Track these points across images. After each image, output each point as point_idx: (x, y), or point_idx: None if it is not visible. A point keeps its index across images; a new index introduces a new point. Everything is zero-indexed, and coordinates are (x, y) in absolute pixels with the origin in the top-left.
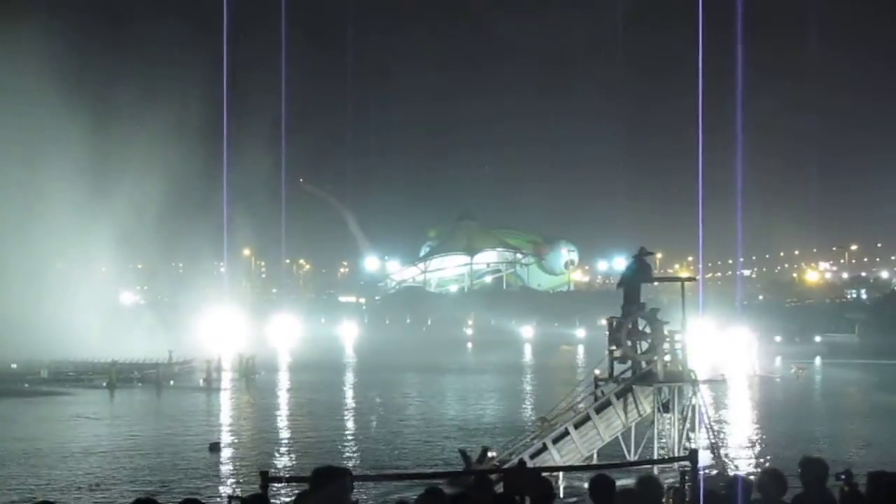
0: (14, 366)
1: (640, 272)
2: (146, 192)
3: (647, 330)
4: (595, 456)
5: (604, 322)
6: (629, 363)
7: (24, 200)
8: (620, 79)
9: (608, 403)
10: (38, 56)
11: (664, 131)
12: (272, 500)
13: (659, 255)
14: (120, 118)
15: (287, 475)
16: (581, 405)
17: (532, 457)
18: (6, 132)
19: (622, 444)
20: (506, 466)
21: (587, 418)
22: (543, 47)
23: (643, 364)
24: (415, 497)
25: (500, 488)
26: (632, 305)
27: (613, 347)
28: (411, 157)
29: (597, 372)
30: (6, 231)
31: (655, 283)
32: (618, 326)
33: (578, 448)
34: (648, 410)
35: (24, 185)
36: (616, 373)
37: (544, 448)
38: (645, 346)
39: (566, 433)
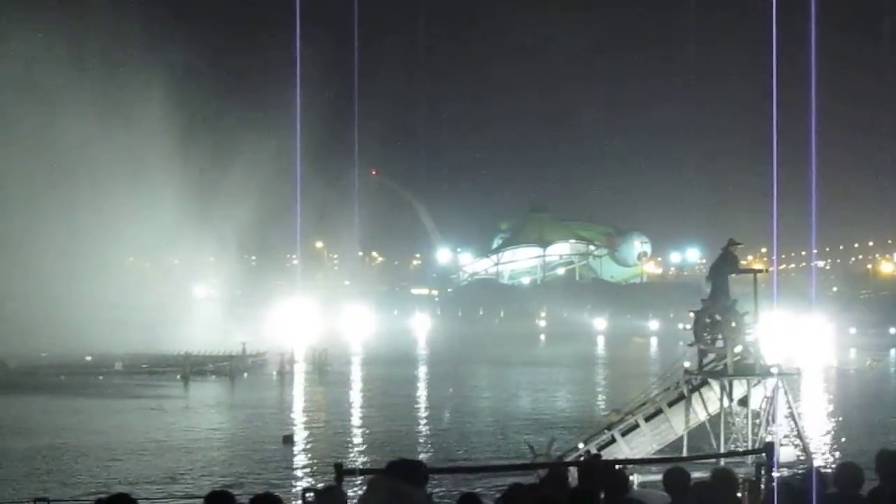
0: (88, 358)
1: (726, 264)
2: (220, 185)
3: (727, 323)
4: (664, 449)
5: (672, 314)
6: (712, 356)
7: (94, 196)
8: (691, 67)
9: (682, 396)
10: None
11: (737, 119)
12: (347, 493)
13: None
14: (192, 115)
15: (361, 468)
16: (654, 397)
17: (599, 449)
18: (88, 128)
19: (694, 437)
20: (569, 459)
21: (659, 411)
22: (610, 37)
23: (721, 357)
24: (488, 489)
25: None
26: (717, 298)
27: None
28: (483, 148)
29: (686, 364)
30: (81, 227)
31: (733, 276)
32: (697, 319)
33: (649, 441)
34: (724, 404)
35: (95, 181)
36: (704, 365)
37: (613, 441)
38: (721, 339)
39: (636, 426)
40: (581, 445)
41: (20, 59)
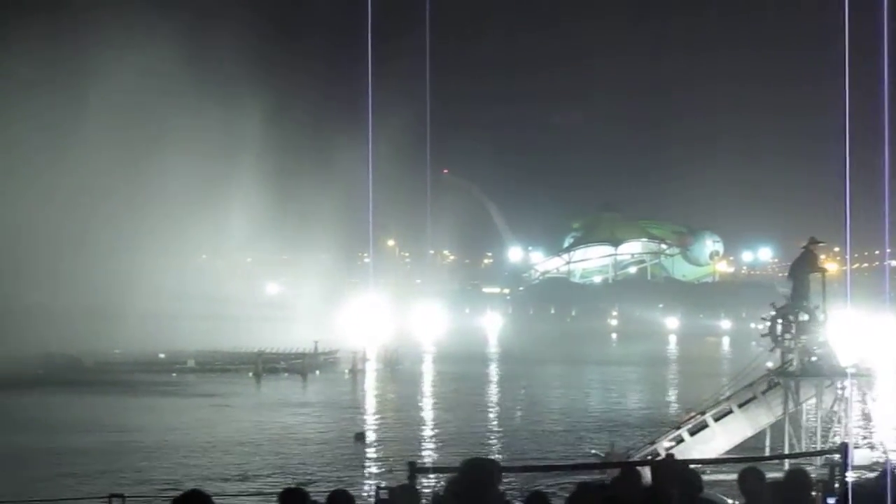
0: (162, 355)
1: (806, 263)
2: (293, 184)
3: (803, 323)
4: (734, 449)
5: (744, 314)
6: (789, 356)
7: (168, 193)
8: (761, 64)
9: (753, 397)
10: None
11: (808, 118)
12: (420, 491)
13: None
14: (264, 114)
15: (434, 465)
16: (726, 397)
17: (668, 449)
18: (165, 125)
19: (764, 438)
20: (640, 459)
21: (729, 411)
22: (681, 37)
23: (795, 357)
24: (560, 488)
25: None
26: (796, 298)
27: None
28: (555, 146)
29: (769, 365)
30: (154, 224)
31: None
32: (773, 319)
33: (718, 441)
34: (796, 405)
35: (168, 178)
36: (782, 366)
37: (682, 440)
38: (800, 339)
39: (705, 426)
40: (658, 445)
41: (113, 63)
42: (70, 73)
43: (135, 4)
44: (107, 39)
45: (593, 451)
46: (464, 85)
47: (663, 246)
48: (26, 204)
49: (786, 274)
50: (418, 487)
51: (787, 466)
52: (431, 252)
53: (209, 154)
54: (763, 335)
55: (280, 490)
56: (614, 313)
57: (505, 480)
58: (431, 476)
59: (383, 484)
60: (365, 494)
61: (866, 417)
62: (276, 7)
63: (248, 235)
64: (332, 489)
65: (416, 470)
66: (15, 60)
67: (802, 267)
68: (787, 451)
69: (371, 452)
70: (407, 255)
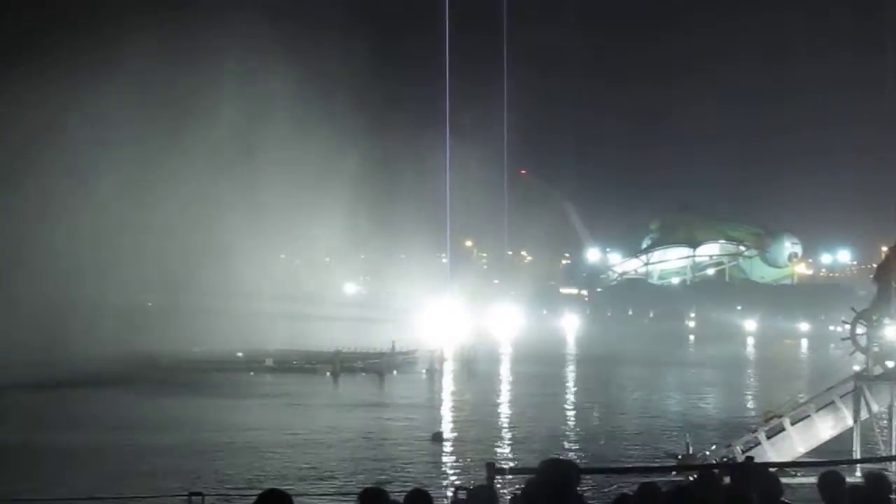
0: (240, 354)
1: (891, 267)
2: (370, 183)
3: (883, 327)
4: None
5: (822, 316)
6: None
7: (247, 192)
8: (840, 63)
9: (832, 401)
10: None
11: (891, 118)
12: (498, 492)
13: (884, 249)
14: (343, 114)
15: (512, 466)
16: (804, 400)
17: (744, 451)
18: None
19: (843, 441)
20: (717, 461)
21: (807, 415)
22: (762, 37)
23: (873, 361)
24: (633, 491)
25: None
26: (879, 302)
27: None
28: (632, 147)
29: (856, 368)
30: (233, 224)
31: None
32: (854, 322)
33: (795, 445)
34: (876, 408)
35: (247, 177)
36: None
37: (758, 443)
38: (880, 343)
39: (782, 429)
40: (734, 447)
41: (213, 73)
42: (175, 83)
43: (236, 17)
44: (209, 50)
45: (675, 453)
46: (541, 85)
47: (741, 248)
48: (119, 206)
49: (872, 276)
50: (496, 488)
51: (863, 471)
52: (509, 253)
53: (289, 157)
54: (843, 339)
55: (359, 489)
56: (692, 315)
57: (584, 481)
58: (509, 477)
59: (460, 484)
60: (443, 495)
61: None
62: (350, 10)
63: (326, 235)
64: (409, 489)
65: (494, 470)
66: (132, 77)
67: (887, 271)
68: (866, 455)
69: (448, 452)
70: (484, 255)
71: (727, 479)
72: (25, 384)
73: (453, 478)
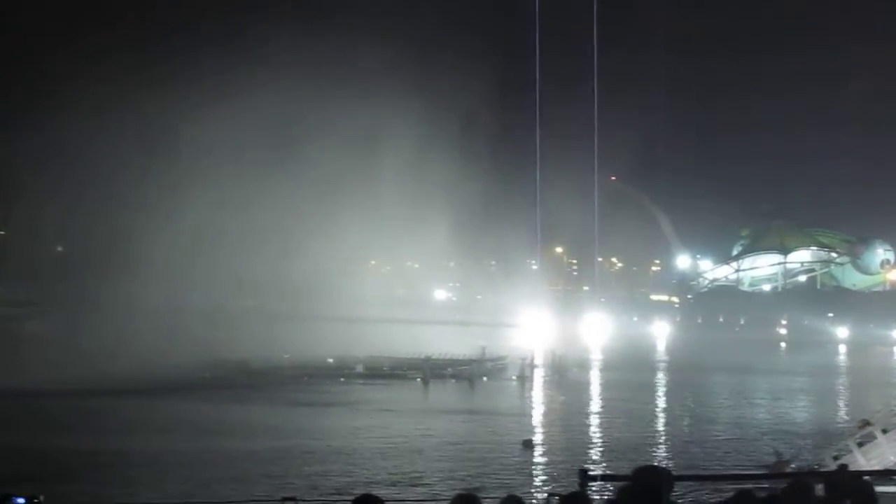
0: (330, 360)
1: None
2: (460, 191)
3: None
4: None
5: None
6: None
7: (336, 200)
8: None
9: None
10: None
11: None
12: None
13: None
14: (430, 119)
15: (605, 473)
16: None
17: (835, 459)
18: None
19: None
20: (809, 470)
21: None
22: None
23: None
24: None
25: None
26: None
27: None
28: (724, 153)
29: None
30: (322, 231)
31: None
32: None
33: (886, 453)
34: None
35: (333, 185)
36: None
37: (849, 451)
38: None
39: (874, 437)
40: (826, 455)
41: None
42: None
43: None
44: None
45: (769, 460)
46: (632, 91)
47: (833, 255)
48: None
49: None
50: (589, 495)
51: None
52: (599, 260)
53: (379, 164)
54: None
55: (452, 495)
56: (783, 322)
57: (677, 489)
58: (601, 484)
59: (554, 491)
60: (534, 502)
61: None
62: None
63: (415, 242)
64: (501, 496)
65: (587, 477)
66: (242, 99)
67: None
68: None
69: (539, 459)
70: (574, 262)
71: (820, 488)
72: (122, 389)
73: (544, 485)
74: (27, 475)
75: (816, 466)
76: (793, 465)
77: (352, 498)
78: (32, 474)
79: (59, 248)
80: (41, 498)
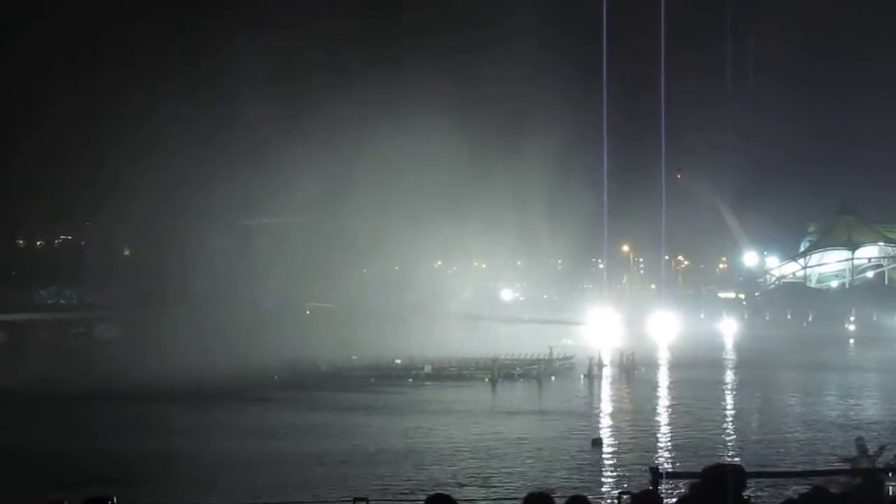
0: (398, 361)
1: None
2: (526, 189)
3: None
4: None
5: None
6: None
7: (406, 200)
8: None
9: None
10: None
11: None
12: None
13: None
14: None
15: (676, 471)
16: None
17: None
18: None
19: None
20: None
21: None
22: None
23: None
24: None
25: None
26: None
27: None
28: (789, 149)
29: None
30: (392, 234)
31: None
32: None
33: None
34: None
35: (402, 187)
36: None
37: None
38: None
39: None
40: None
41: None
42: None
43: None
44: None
45: (842, 457)
46: (698, 86)
47: None
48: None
49: None
50: (660, 493)
51: None
52: (666, 257)
53: (444, 163)
54: None
55: (523, 495)
56: (852, 319)
57: (750, 486)
58: (672, 481)
59: (626, 488)
60: (604, 500)
61: None
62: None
63: (481, 242)
64: (570, 495)
65: (658, 475)
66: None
67: None
68: None
69: (608, 458)
70: (641, 260)
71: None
72: (190, 393)
73: (613, 484)
74: (99, 476)
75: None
76: (867, 462)
77: (423, 498)
78: (107, 475)
79: (126, 252)
80: (114, 500)
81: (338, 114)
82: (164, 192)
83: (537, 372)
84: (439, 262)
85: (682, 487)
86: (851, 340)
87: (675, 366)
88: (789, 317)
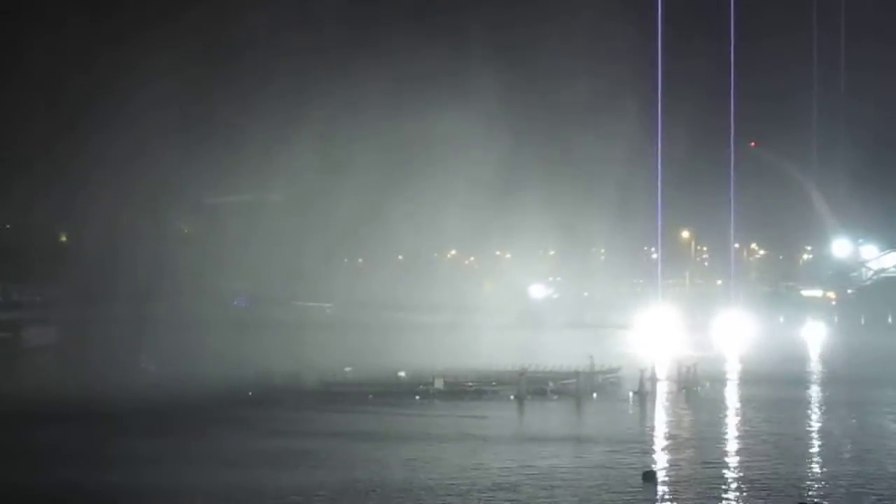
0: (402, 374)
1: None
2: (559, 161)
3: None
4: None
5: None
6: None
7: (421, 187)
8: None
9: None
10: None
11: None
12: None
13: None
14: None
15: None
16: None
17: None
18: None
19: None
20: None
21: None
22: None
23: None
24: None
25: None
26: None
27: None
28: (889, 117)
29: None
30: (394, 216)
31: None
32: None
33: None
34: None
35: (425, 183)
36: None
37: None
38: None
39: None
40: None
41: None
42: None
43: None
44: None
45: None
46: (776, 43)
47: None
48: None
49: None
50: None
51: None
52: (736, 246)
53: (470, 145)
54: None
55: None
56: None
57: None
58: None
59: None
60: None
61: None
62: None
63: (502, 227)
64: None
65: None
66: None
67: None
68: None
69: (663, 496)
70: (705, 249)
71: None
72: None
73: None
74: None
75: None
76: None
77: None
78: None
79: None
80: None
81: (325, 69)
82: (112, 169)
83: (575, 388)
84: (453, 252)
85: None
86: None
87: (746, 381)
88: (890, 320)
